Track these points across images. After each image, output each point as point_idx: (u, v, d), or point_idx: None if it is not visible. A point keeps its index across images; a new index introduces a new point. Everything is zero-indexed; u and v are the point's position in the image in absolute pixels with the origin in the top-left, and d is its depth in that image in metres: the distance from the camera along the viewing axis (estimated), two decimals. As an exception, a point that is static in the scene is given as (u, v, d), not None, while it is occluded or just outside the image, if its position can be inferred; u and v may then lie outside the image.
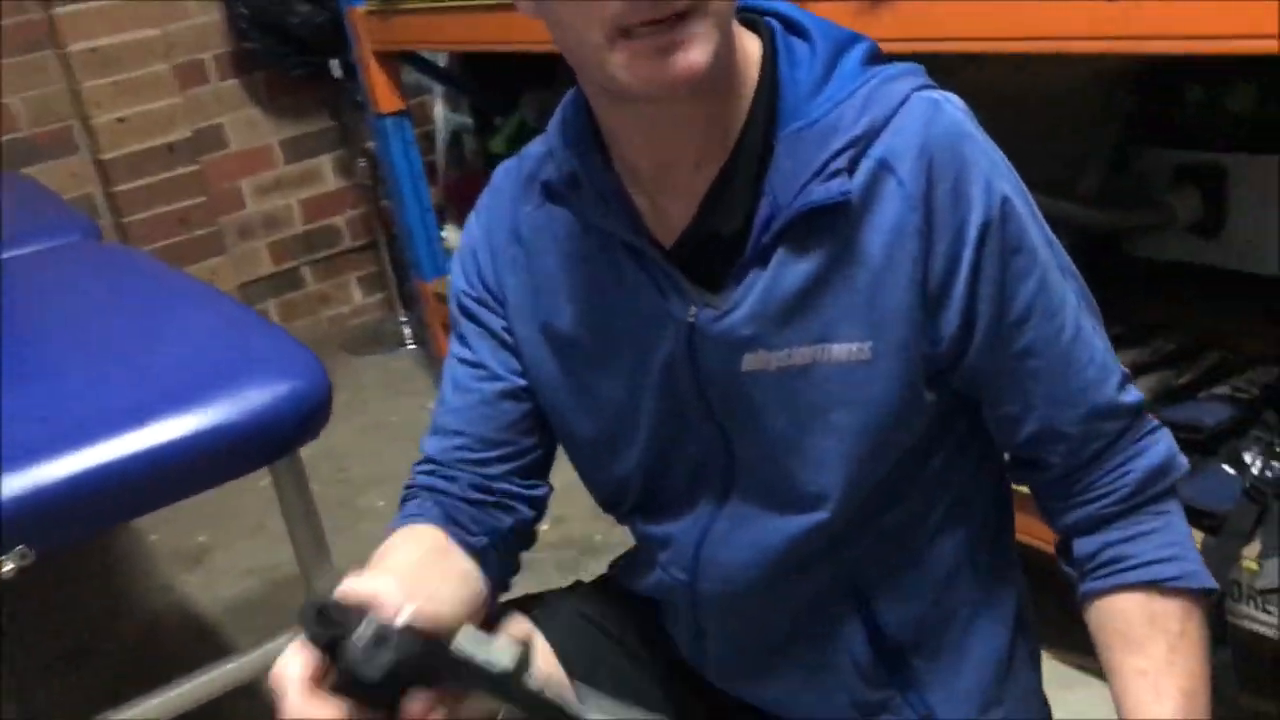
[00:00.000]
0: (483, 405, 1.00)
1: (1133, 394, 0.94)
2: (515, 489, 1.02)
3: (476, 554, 0.98)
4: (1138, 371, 1.74)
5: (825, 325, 0.87)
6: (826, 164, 0.85)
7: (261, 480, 1.44)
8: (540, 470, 1.05)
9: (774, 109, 0.88)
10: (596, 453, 1.01)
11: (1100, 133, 1.93)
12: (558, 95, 0.98)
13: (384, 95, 2.80)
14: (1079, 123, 1.96)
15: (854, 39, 0.91)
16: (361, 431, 2.96)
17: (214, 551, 2.57)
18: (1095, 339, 0.92)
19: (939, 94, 0.89)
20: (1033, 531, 1.16)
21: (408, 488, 1.04)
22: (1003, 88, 1.88)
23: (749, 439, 0.94)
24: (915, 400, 0.90)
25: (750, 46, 0.89)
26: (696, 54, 0.79)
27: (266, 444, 1.27)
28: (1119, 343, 1.81)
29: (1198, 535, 1.41)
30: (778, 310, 0.88)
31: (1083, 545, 0.94)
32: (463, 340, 1.03)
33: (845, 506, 0.93)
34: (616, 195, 0.91)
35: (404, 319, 3.57)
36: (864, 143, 0.85)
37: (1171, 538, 0.93)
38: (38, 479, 1.14)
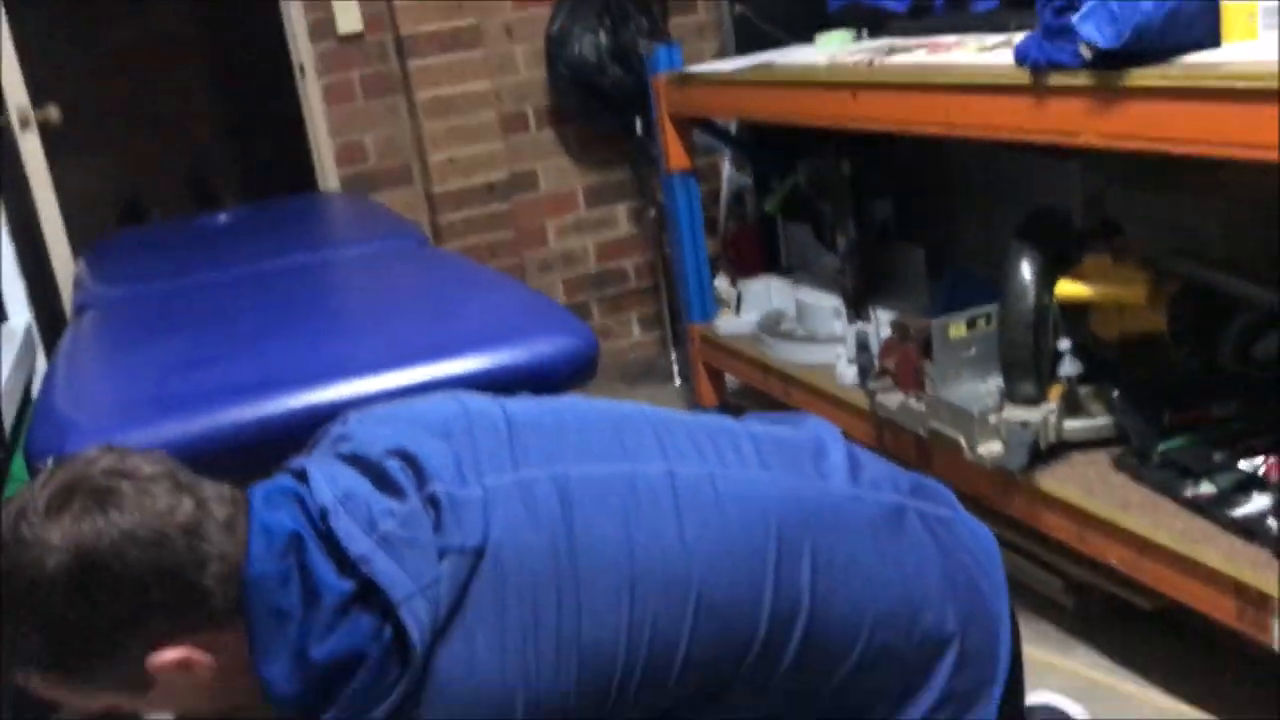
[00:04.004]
0: None
1: None
2: None
3: None
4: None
5: None
6: None
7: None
8: None
9: None
10: None
11: None
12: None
13: (675, 154, 3.13)
14: None
15: None
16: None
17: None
18: None
19: None
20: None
21: None
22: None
23: None
24: None
25: None
26: None
27: (546, 385, 1.55)
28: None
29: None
30: None
31: None
32: None
33: None
34: None
35: (674, 357, 3.90)
36: None
37: None
38: (376, 385, 1.52)
